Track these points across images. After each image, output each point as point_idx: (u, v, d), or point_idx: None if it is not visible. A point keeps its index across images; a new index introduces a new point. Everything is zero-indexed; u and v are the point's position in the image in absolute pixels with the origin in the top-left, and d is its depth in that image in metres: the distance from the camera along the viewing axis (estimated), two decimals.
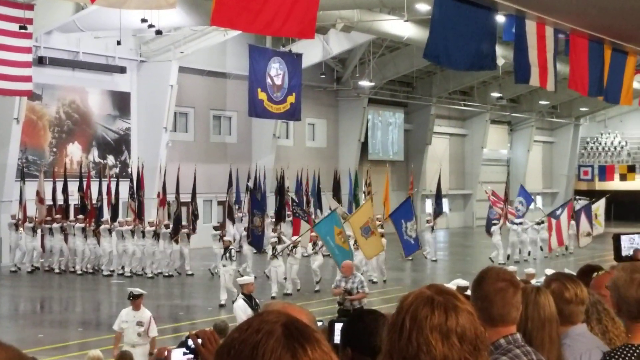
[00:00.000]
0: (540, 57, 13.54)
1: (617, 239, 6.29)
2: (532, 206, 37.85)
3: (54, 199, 32.88)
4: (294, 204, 32.07)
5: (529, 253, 37.13)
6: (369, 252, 25.67)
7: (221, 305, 24.31)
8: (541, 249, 37.56)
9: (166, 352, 3.71)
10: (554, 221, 34.42)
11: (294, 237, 27.34)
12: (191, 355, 3.67)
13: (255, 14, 9.72)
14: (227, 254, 25.39)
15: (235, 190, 37.69)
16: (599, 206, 37.34)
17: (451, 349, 2.61)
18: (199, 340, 3.56)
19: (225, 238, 27.53)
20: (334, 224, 23.81)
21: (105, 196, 32.63)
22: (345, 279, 18.40)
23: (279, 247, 26.99)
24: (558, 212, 35.17)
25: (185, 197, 33.05)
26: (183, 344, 3.77)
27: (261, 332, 1.95)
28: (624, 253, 6.28)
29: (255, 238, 28.99)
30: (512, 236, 36.59)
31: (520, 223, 36.49)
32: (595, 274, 5.84)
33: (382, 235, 27.87)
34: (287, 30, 10.53)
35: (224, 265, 25.38)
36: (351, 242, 27.57)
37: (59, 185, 32.97)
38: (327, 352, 1.98)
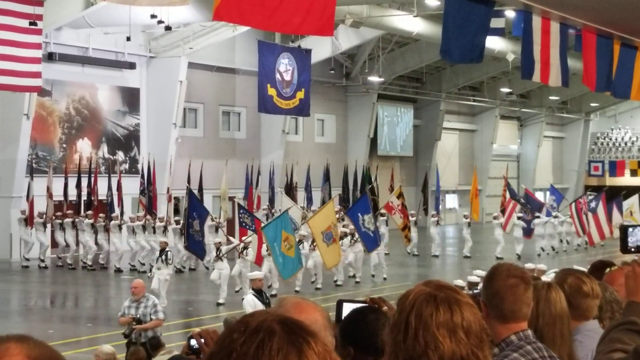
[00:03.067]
0: (544, 52, 13.50)
1: (624, 231, 6.27)
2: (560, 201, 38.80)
3: (65, 194, 32.95)
4: (241, 210, 28.89)
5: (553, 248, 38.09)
6: (330, 260, 23.60)
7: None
8: (563, 242, 39.28)
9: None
10: (590, 215, 34.71)
11: (247, 239, 24.87)
12: (194, 356, 3.67)
13: (271, 11, 9.56)
14: (163, 256, 23.38)
15: (244, 186, 37.85)
16: (634, 203, 37.67)
17: (458, 344, 2.61)
18: (202, 340, 3.55)
19: (161, 239, 25.77)
20: (282, 227, 21.58)
21: (115, 192, 32.74)
22: (135, 303, 15.24)
23: (224, 248, 25.13)
24: (592, 204, 35.35)
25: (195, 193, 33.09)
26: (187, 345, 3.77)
27: (262, 332, 1.92)
28: (630, 245, 6.25)
29: (195, 244, 25.04)
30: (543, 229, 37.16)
31: (539, 216, 37.12)
32: (608, 269, 5.82)
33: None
34: (307, 28, 10.37)
35: (158, 269, 23.27)
36: (307, 245, 26.43)
37: (71, 181, 33.07)
38: (326, 343, 1.97)
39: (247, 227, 26.35)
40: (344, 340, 3.77)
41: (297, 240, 25.89)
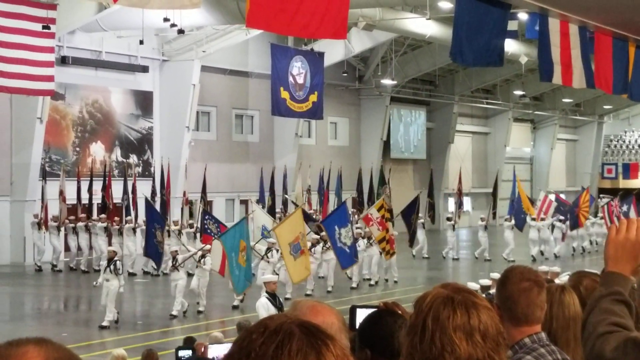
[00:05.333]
0: (564, 54, 13.47)
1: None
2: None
3: (78, 198, 33.02)
4: (207, 216, 27.66)
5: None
6: (297, 275, 21.62)
7: (102, 327, 21.38)
8: (592, 243, 40.11)
9: (203, 348, 3.70)
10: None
11: (206, 247, 23.71)
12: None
13: (291, 16, 9.67)
14: (112, 267, 21.83)
15: (259, 189, 37.85)
16: None
17: (475, 347, 2.61)
18: (202, 350, 3.56)
19: (109, 248, 24.59)
20: (240, 236, 20.14)
21: (130, 195, 32.78)
22: None
23: (180, 257, 23.43)
24: (624, 208, 35.63)
25: (209, 196, 33.18)
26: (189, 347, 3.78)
27: (281, 333, 1.94)
28: None
29: (157, 254, 24.11)
30: (534, 233, 36.69)
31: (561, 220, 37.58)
32: None
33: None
34: (323, 32, 10.49)
35: (107, 280, 21.70)
36: (276, 253, 24.44)
37: (84, 185, 33.14)
38: (344, 348, 1.99)
39: (212, 234, 25.45)
40: (361, 342, 3.77)
41: (266, 247, 24.69)
